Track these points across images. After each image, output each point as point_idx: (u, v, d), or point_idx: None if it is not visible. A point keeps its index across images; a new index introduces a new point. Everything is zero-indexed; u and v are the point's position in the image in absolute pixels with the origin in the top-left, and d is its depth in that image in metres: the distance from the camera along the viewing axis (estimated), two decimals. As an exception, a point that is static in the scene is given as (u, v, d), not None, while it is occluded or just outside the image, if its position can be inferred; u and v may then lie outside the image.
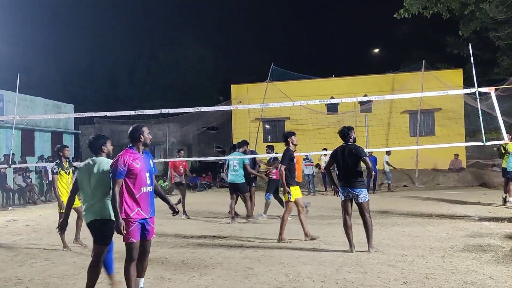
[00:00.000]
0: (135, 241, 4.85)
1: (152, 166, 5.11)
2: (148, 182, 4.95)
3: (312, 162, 18.44)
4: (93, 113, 11.48)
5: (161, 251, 7.68)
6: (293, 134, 8.56)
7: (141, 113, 11.14)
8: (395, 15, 20.09)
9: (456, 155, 22.00)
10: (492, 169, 20.57)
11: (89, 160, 5.37)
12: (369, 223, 7.12)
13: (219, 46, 53.09)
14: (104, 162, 5.25)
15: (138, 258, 4.92)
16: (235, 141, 24.58)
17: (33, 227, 11.31)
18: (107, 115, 11.50)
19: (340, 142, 7.53)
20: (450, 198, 14.30)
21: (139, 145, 4.99)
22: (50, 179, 18.66)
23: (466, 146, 22.73)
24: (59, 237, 7.91)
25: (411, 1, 19.26)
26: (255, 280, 5.77)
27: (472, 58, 10.81)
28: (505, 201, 12.24)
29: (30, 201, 17.96)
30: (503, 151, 12.38)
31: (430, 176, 21.05)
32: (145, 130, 5.00)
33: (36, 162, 20.84)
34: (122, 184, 4.82)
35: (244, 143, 11.39)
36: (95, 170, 5.20)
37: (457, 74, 24.63)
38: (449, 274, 5.69)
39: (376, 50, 46.30)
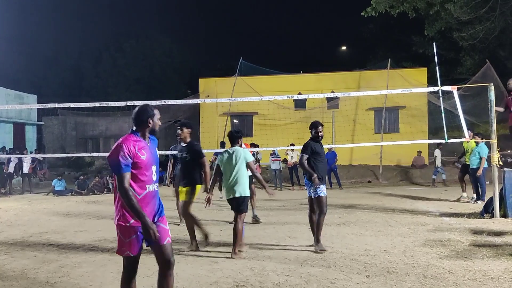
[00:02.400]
0: (132, 255, 3.83)
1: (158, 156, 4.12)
2: (154, 178, 3.94)
3: (279, 157, 18.53)
4: (56, 104, 11.26)
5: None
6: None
7: (107, 105, 10.97)
8: (362, 13, 20.36)
9: (419, 152, 22.46)
10: (454, 166, 21.09)
11: (228, 150, 6.97)
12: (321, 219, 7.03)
13: (187, 40, 52.86)
14: (239, 151, 6.85)
15: (159, 271, 3.99)
16: (203, 135, 24.58)
17: (-7, 220, 11.00)
18: (71, 106, 11.28)
19: (307, 137, 7.36)
20: (412, 194, 14.59)
21: (146, 131, 3.97)
22: (11, 170, 18.29)
23: (429, 143, 23.25)
24: (20, 231, 7.75)
25: (379, -1, 19.58)
26: (220, 274, 5.77)
27: (436, 57, 11.06)
28: (462, 197, 12.61)
29: (-10, 193, 17.48)
30: (465, 150, 12.65)
31: (394, 172, 21.45)
32: (156, 113, 4.03)
33: (-3, 154, 20.27)
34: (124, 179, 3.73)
35: None
36: (233, 158, 6.80)
37: (421, 73, 25.19)
38: (410, 268, 5.82)
39: (344, 48, 46.81)
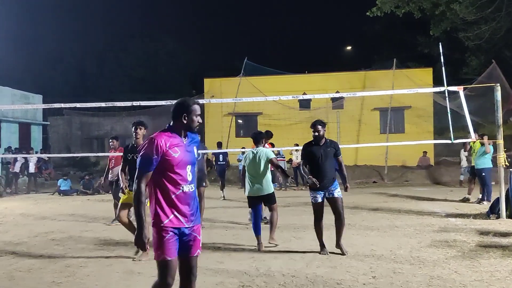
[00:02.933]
0: (169, 259, 3.47)
1: (196, 156, 3.81)
2: (190, 178, 3.61)
3: (284, 158, 18.52)
4: (62, 104, 11.29)
5: (130, 245, 7.61)
6: None
7: (112, 105, 11.00)
8: (368, 13, 20.34)
9: (425, 152, 22.39)
10: (459, 167, 21.00)
11: (252, 150, 7.45)
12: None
13: (192, 40, 52.72)
14: (262, 150, 7.28)
15: (180, 284, 3.64)
16: (207, 136, 24.59)
17: (-1, 220, 11.05)
18: (77, 106, 11.31)
19: (311, 138, 6.85)
20: (418, 195, 14.55)
21: (182, 128, 3.64)
22: (17, 170, 18.36)
23: (434, 144, 23.17)
24: (26, 230, 7.77)
25: (384, -1, 19.59)
26: (225, 274, 5.76)
27: (442, 57, 11.02)
28: (466, 199, 12.53)
29: (-4, 193, 17.55)
30: (472, 150, 12.60)
31: (399, 173, 21.39)
32: (195, 109, 3.64)
33: (3, 154, 20.35)
34: (152, 180, 3.55)
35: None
36: (257, 158, 7.24)
37: (427, 73, 25.09)
38: (416, 269, 5.80)
39: (349, 48, 46.71)
